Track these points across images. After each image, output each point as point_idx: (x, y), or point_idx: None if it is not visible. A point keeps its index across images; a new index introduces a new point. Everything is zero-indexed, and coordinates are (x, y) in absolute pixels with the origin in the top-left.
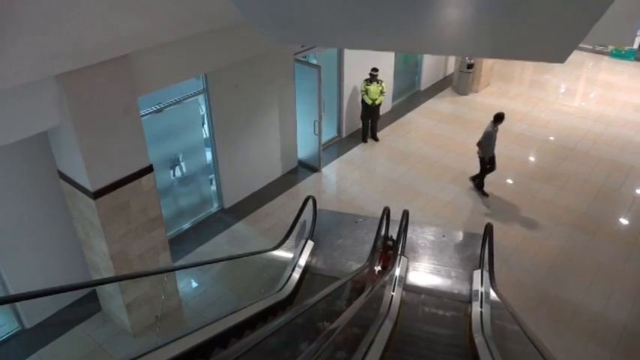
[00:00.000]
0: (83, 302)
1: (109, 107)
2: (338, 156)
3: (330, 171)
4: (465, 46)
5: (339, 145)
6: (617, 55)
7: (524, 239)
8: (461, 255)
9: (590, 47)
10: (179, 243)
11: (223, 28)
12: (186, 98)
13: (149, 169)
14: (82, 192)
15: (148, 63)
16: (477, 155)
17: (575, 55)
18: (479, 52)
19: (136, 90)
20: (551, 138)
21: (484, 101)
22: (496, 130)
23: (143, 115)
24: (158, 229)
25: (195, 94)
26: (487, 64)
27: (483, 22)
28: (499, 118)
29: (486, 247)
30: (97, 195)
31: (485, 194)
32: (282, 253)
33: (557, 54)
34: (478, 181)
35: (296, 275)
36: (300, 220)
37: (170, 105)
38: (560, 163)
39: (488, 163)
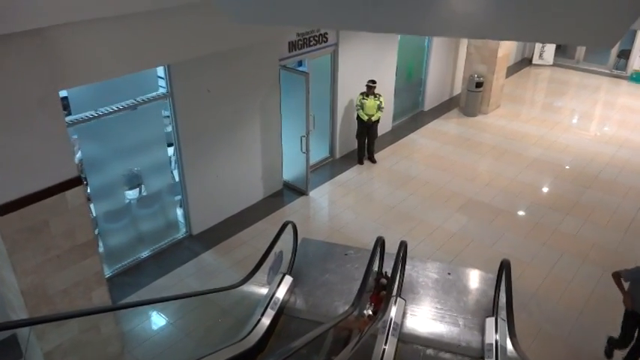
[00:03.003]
0: (2, 347)
1: (15, 97)
2: (330, 178)
3: (320, 195)
4: (498, 25)
5: (332, 167)
6: (638, 79)
7: (545, 280)
8: (470, 298)
9: (608, 71)
10: (134, 274)
11: (180, 9)
12: (144, 102)
13: (77, 181)
14: None
15: (77, 45)
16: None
17: (592, 79)
18: (513, 33)
19: (59, 79)
20: (567, 167)
21: (495, 123)
22: None
23: (85, 121)
24: (90, 257)
25: (157, 98)
26: (497, 83)
27: None
28: None
29: (502, 288)
30: None
31: None
32: (251, 290)
33: (605, 37)
34: (608, 347)
35: (266, 320)
36: (276, 250)
37: (123, 110)
38: (584, 192)
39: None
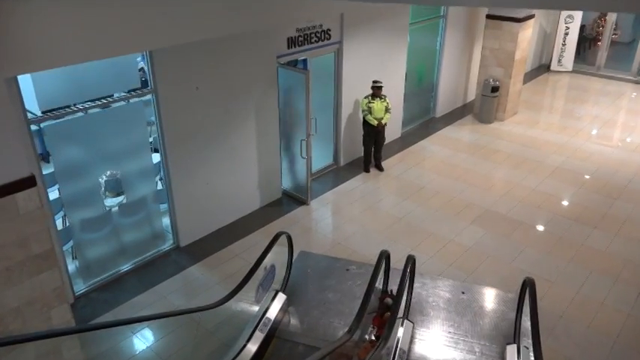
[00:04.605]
0: None
1: None
2: (333, 187)
3: (322, 204)
4: None
5: (335, 174)
6: None
7: (572, 302)
8: (488, 321)
9: (632, 77)
10: (111, 290)
11: None
12: (124, 99)
13: (29, 181)
14: None
15: (32, 23)
16: None
17: (614, 86)
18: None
19: (11, 63)
20: (589, 176)
21: (512, 130)
22: None
23: (53, 117)
24: (49, 270)
25: (139, 95)
26: (514, 88)
27: None
28: None
29: (524, 310)
30: None
31: None
32: (239, 309)
33: None
34: None
35: (253, 345)
36: (267, 264)
37: (97, 106)
38: (612, 203)
39: None
